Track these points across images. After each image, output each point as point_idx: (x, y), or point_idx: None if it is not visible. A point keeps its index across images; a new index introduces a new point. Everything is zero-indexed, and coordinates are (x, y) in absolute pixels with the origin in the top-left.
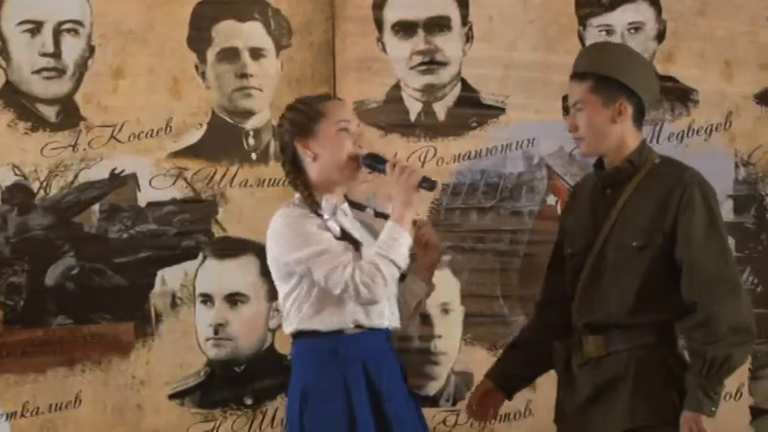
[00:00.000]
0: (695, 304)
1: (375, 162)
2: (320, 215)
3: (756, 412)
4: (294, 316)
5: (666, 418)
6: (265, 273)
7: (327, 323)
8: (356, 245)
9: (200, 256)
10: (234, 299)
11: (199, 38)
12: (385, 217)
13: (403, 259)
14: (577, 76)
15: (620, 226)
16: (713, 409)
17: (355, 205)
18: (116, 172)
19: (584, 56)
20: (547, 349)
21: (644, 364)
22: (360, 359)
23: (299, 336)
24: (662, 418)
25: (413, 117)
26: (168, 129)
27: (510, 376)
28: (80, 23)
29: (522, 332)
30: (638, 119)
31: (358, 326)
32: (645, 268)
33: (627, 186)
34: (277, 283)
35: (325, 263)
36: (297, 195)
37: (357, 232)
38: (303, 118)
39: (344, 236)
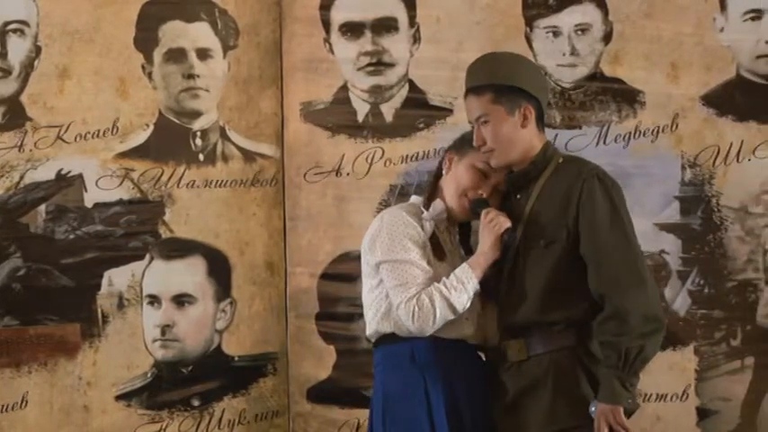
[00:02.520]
0: (602, 297)
1: (477, 207)
2: (421, 212)
3: (703, 413)
4: (372, 316)
5: (587, 418)
6: (212, 273)
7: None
8: (440, 255)
9: (147, 256)
10: (181, 300)
11: (146, 38)
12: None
13: (462, 305)
14: (474, 90)
15: (530, 227)
16: (630, 400)
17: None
18: (62, 173)
19: (477, 69)
20: None
21: (562, 367)
22: (440, 364)
23: (379, 342)
24: (582, 418)
25: (360, 118)
26: (115, 129)
27: None
28: (26, 24)
29: None
30: (540, 121)
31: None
32: (552, 265)
33: (533, 188)
34: (364, 277)
35: (396, 276)
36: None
37: (450, 254)
38: (466, 139)
39: (434, 240)
